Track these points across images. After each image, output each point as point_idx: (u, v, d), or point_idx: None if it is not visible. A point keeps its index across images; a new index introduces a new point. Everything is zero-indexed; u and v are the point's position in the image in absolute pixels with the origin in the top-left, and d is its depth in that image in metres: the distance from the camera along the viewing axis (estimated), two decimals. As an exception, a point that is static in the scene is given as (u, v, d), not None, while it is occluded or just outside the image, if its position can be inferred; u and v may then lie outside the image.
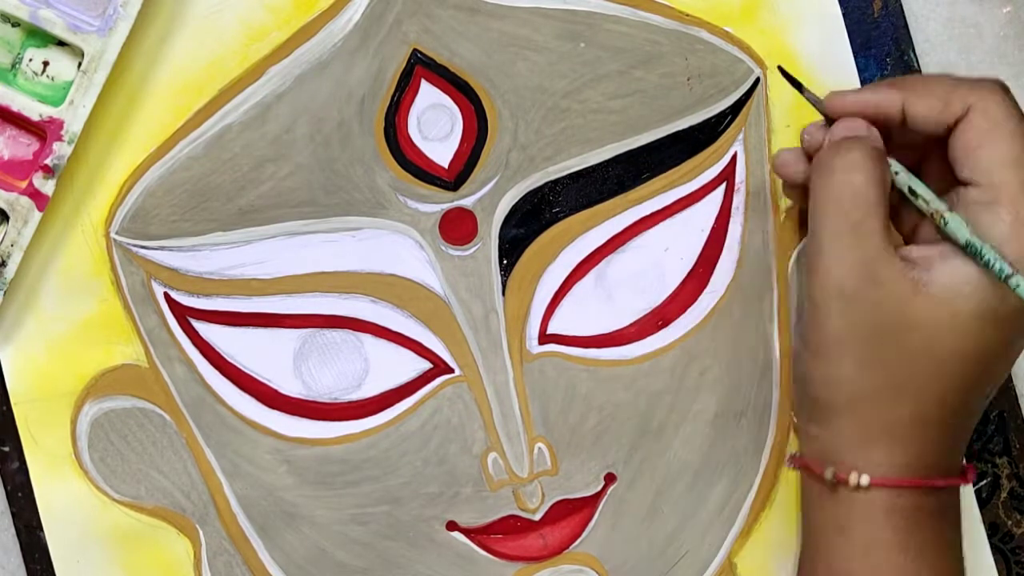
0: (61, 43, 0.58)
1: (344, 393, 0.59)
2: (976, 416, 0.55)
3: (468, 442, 0.59)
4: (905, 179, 0.54)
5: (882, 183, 0.53)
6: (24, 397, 0.59)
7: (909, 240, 0.55)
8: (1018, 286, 0.51)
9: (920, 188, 0.54)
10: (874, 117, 0.54)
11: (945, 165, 0.53)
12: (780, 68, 0.57)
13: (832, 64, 0.61)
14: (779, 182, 0.60)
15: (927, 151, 0.55)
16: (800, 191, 0.56)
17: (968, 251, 0.52)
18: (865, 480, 0.52)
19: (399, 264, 0.59)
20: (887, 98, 0.54)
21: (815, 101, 0.56)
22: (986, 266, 0.51)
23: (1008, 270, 0.51)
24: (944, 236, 0.52)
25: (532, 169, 0.59)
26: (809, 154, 0.56)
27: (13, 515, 0.59)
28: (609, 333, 0.60)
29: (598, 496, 0.60)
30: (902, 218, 0.56)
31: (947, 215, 0.53)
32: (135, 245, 0.59)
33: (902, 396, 0.52)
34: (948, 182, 0.53)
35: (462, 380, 0.59)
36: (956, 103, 0.53)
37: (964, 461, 0.55)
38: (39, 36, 0.58)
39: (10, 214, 0.57)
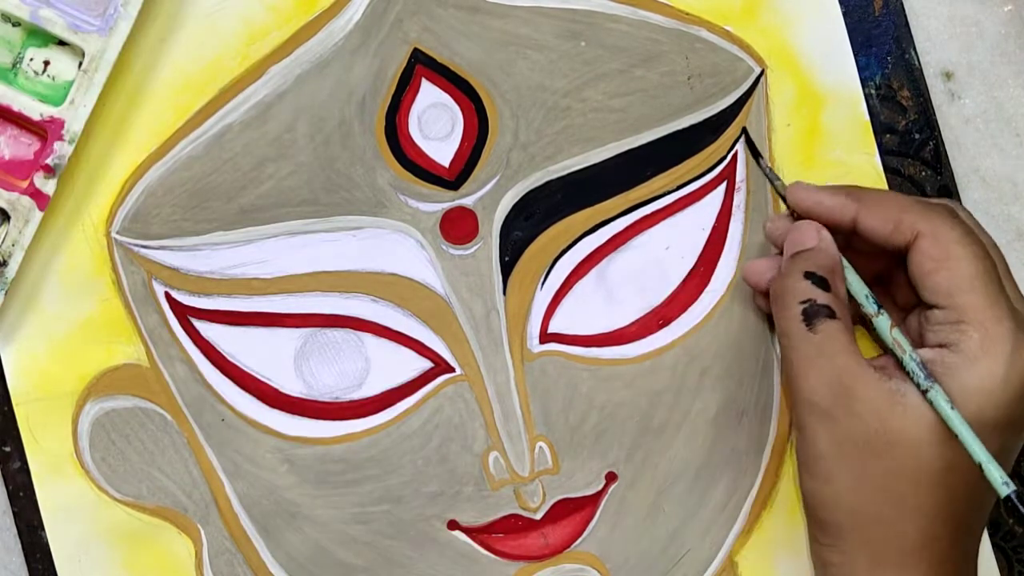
0: (62, 43, 0.58)
1: (345, 392, 0.59)
2: (982, 528, 0.54)
3: (469, 441, 0.59)
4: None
5: (839, 298, 0.53)
6: (25, 397, 0.59)
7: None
8: (934, 400, 0.50)
9: (853, 288, 0.54)
10: (828, 220, 0.55)
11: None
12: (745, 131, 0.58)
13: (833, 62, 0.60)
14: (780, 181, 0.60)
15: (899, 259, 0.55)
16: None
17: (894, 355, 0.52)
18: None
19: (400, 263, 0.59)
20: (841, 206, 0.54)
21: (775, 180, 0.57)
22: (909, 374, 0.52)
23: (926, 384, 0.51)
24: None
25: (533, 168, 0.59)
26: (774, 243, 0.57)
27: (15, 515, 0.59)
28: (610, 332, 0.60)
29: (599, 495, 0.60)
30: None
31: (874, 318, 0.53)
32: (136, 245, 0.59)
33: (903, 513, 0.51)
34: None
35: (463, 379, 0.59)
36: (905, 228, 0.53)
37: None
38: (40, 36, 0.58)
39: (11, 214, 0.57)
